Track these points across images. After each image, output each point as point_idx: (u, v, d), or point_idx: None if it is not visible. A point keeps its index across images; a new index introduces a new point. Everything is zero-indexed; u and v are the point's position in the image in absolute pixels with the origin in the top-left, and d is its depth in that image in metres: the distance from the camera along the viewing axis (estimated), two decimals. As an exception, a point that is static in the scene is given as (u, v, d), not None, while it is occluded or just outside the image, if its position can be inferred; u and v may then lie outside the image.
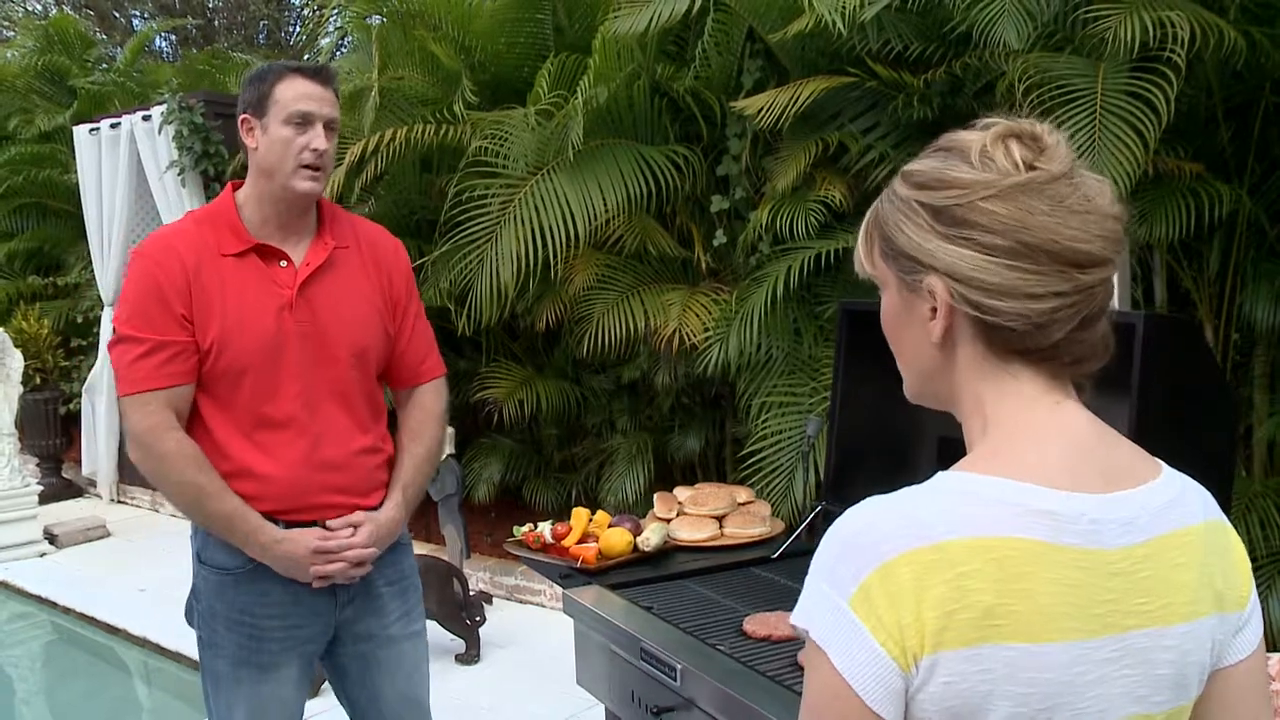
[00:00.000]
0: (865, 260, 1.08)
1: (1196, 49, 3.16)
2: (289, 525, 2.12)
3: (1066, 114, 3.27)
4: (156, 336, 2.04)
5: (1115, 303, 1.88)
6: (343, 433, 2.17)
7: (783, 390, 4.48)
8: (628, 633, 2.01)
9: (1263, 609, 3.58)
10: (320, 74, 2.14)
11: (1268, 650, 1.75)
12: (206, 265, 2.08)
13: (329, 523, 2.14)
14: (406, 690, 2.33)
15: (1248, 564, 1.05)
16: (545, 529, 2.50)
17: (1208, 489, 1.05)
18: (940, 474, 0.97)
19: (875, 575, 0.90)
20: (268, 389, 2.10)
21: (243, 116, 2.14)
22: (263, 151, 2.11)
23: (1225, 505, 2.01)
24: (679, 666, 1.84)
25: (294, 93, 2.09)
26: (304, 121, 2.09)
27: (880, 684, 0.90)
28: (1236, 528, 1.11)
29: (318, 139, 2.10)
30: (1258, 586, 3.39)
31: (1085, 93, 3.26)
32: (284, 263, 2.14)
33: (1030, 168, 0.95)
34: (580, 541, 2.46)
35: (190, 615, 2.24)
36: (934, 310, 1.00)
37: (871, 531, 0.93)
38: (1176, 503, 0.99)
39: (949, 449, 2.50)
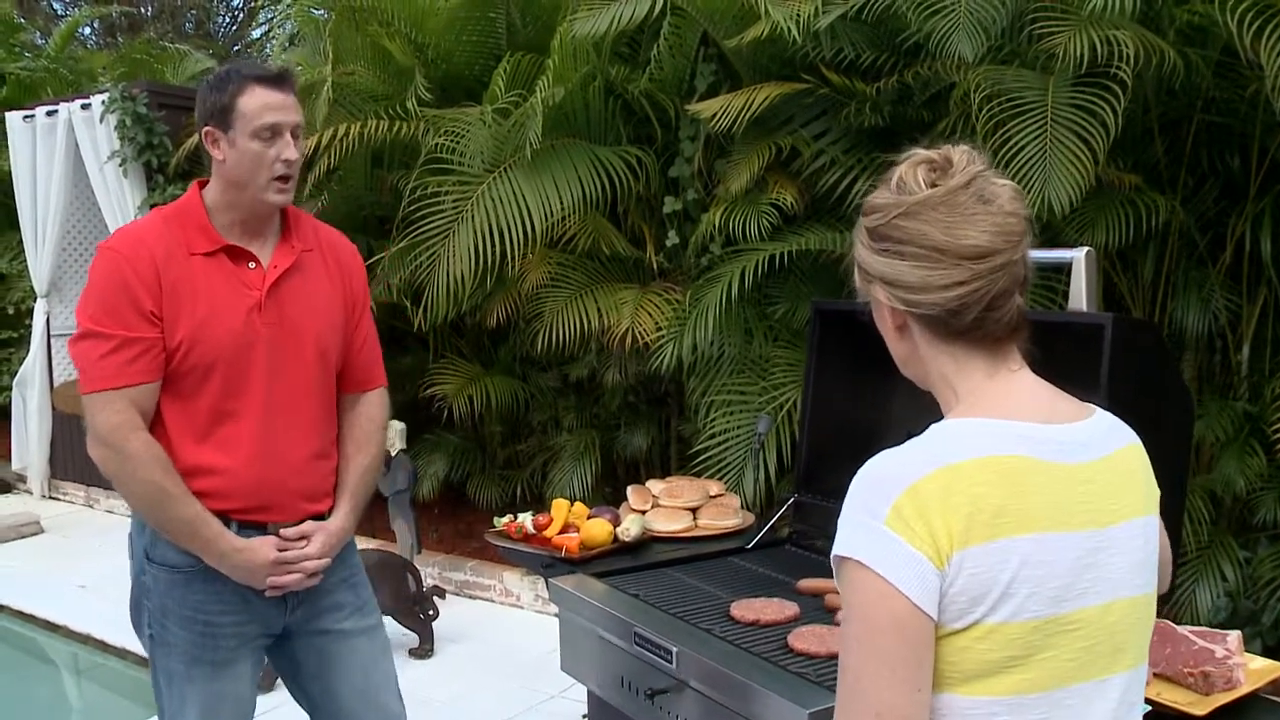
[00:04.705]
0: (859, 281, 1.29)
1: (1138, 67, 3.33)
2: (243, 525, 2.13)
3: (1018, 126, 3.42)
4: (124, 333, 2.02)
5: (1084, 305, 2.00)
6: (301, 435, 2.18)
7: (731, 389, 4.58)
8: (619, 618, 2.08)
9: (1192, 598, 3.73)
10: (281, 80, 2.12)
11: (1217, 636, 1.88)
12: (176, 263, 2.07)
13: (282, 531, 2.15)
14: (363, 685, 2.32)
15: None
16: (526, 519, 2.56)
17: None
18: (933, 425, 1.20)
19: (904, 497, 1.10)
20: (233, 389, 2.10)
21: (206, 129, 2.11)
22: (231, 165, 2.09)
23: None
24: (674, 649, 1.91)
25: (258, 104, 2.07)
26: (273, 134, 2.08)
27: (921, 583, 1.08)
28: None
29: (288, 150, 2.10)
30: (1185, 578, 3.57)
31: (1036, 105, 3.41)
32: (252, 264, 2.14)
33: (932, 186, 1.18)
34: (561, 532, 2.52)
35: (137, 613, 2.22)
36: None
37: (893, 467, 1.14)
38: (1113, 429, 1.26)
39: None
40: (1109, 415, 1.28)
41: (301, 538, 2.17)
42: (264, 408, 2.13)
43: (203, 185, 2.19)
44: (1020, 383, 1.22)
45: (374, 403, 2.36)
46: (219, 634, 2.16)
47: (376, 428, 2.35)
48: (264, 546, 2.12)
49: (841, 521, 1.14)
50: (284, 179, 2.11)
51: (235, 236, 2.14)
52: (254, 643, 2.23)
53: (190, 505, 2.06)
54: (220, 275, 2.10)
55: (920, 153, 1.21)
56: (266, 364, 2.13)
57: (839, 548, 1.13)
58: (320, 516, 2.23)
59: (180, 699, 2.18)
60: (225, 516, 2.11)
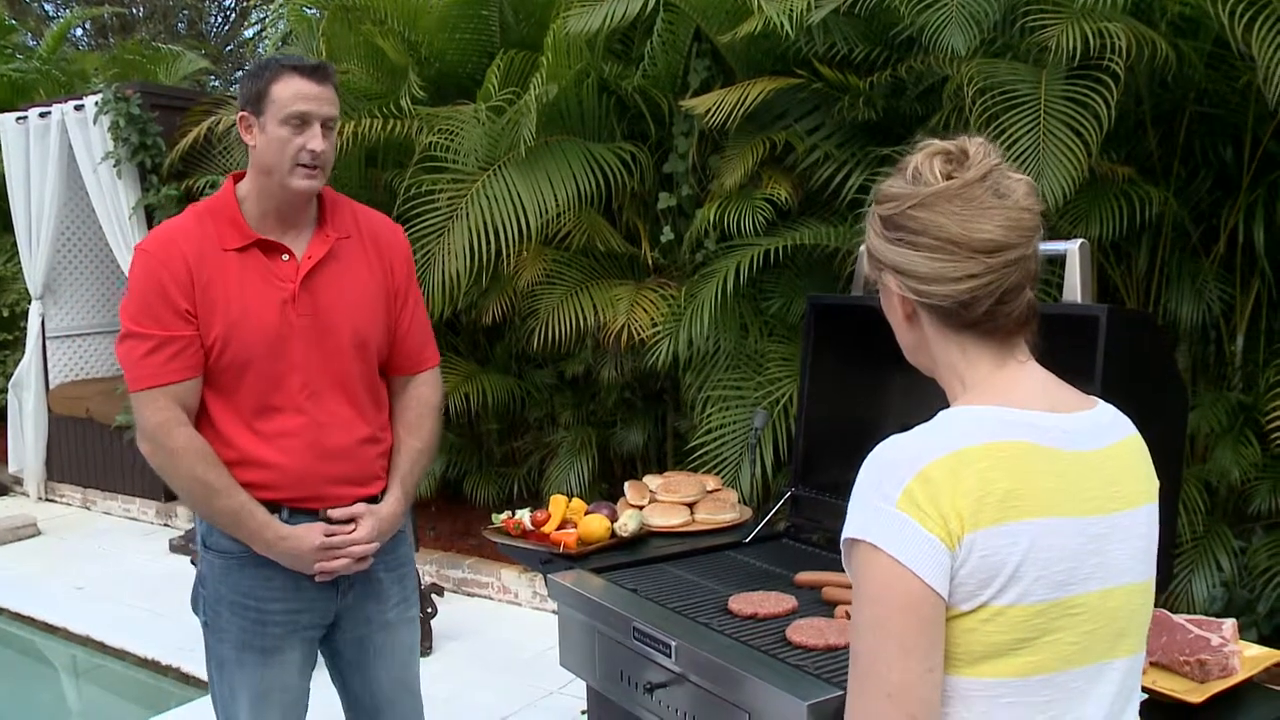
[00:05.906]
0: (869, 268, 1.30)
1: (1131, 59, 3.33)
2: (293, 513, 2.16)
3: (1011, 119, 3.42)
4: (163, 332, 2.07)
5: (1079, 297, 2.00)
6: (345, 422, 2.20)
7: (727, 384, 4.59)
8: (618, 613, 2.08)
9: (1188, 587, 3.75)
10: (318, 72, 2.13)
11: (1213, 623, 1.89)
12: (209, 260, 2.10)
13: (330, 513, 2.18)
14: (401, 675, 2.37)
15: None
16: (524, 516, 2.57)
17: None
18: (941, 411, 1.21)
19: (915, 481, 1.12)
20: (272, 381, 2.13)
21: (241, 114, 2.15)
22: (260, 150, 2.12)
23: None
24: (673, 643, 1.91)
25: (291, 92, 2.09)
26: (302, 122, 2.10)
27: (934, 563, 1.10)
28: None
29: (314, 140, 2.11)
30: (1181, 568, 3.60)
31: (1029, 98, 3.42)
32: (286, 256, 2.17)
33: (948, 178, 1.18)
34: (559, 528, 2.53)
35: (196, 601, 2.27)
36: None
37: (903, 452, 1.15)
38: (1115, 421, 1.28)
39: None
40: (1111, 407, 1.29)
41: (350, 520, 2.19)
42: (306, 399, 2.16)
43: (238, 179, 2.21)
44: (1027, 374, 1.23)
45: (425, 384, 2.37)
46: (268, 620, 2.20)
47: (429, 409, 2.36)
48: (309, 534, 2.15)
49: (852, 505, 1.16)
50: (310, 166, 2.12)
51: (269, 228, 2.16)
52: (305, 633, 2.25)
53: (234, 496, 2.10)
54: (253, 270, 2.13)
55: (935, 143, 1.22)
56: (304, 356, 2.15)
57: (851, 530, 1.14)
58: (373, 499, 2.25)
59: (231, 687, 2.23)
60: (276, 505, 2.14)
